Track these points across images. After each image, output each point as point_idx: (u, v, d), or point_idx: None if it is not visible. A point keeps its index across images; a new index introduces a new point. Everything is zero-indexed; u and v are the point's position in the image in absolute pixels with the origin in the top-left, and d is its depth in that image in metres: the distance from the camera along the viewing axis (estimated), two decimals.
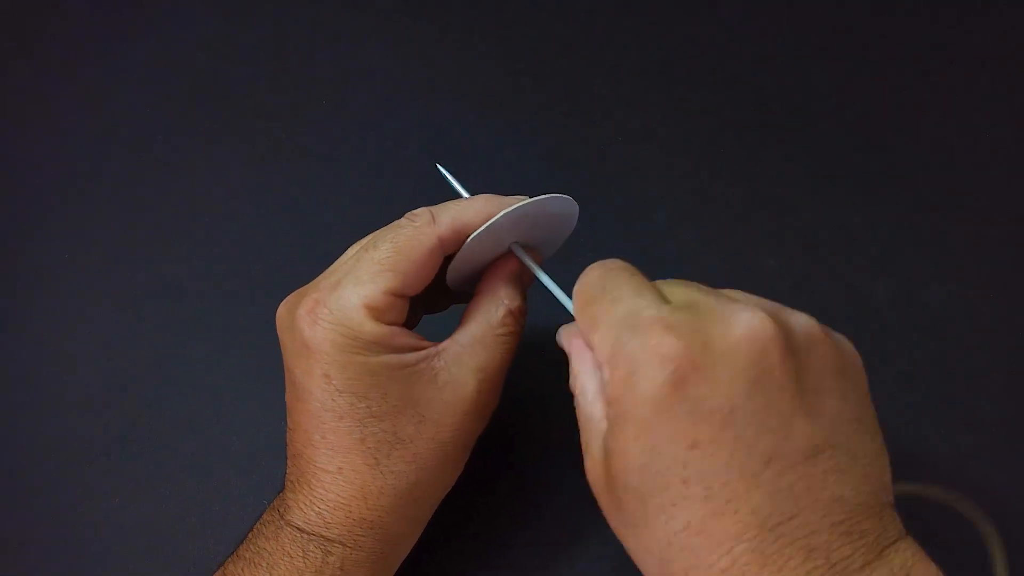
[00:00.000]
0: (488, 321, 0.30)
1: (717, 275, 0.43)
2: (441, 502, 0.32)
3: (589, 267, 0.28)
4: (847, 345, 0.25)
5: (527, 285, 0.33)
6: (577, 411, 0.27)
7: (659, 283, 0.27)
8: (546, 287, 0.31)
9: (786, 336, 0.23)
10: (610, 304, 0.25)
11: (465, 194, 0.34)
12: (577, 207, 0.33)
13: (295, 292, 0.30)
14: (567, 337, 0.28)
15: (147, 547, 0.37)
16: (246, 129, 0.50)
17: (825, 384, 0.23)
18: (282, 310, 0.30)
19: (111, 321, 0.44)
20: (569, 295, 0.29)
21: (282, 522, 0.29)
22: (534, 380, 0.40)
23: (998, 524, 0.36)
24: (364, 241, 0.31)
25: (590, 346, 0.26)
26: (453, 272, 0.32)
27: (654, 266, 0.44)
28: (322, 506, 0.29)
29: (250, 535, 0.30)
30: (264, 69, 0.53)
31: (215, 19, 0.55)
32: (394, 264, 0.29)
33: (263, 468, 0.39)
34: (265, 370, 0.42)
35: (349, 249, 0.32)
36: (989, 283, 0.42)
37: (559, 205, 0.32)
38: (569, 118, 0.50)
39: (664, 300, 0.25)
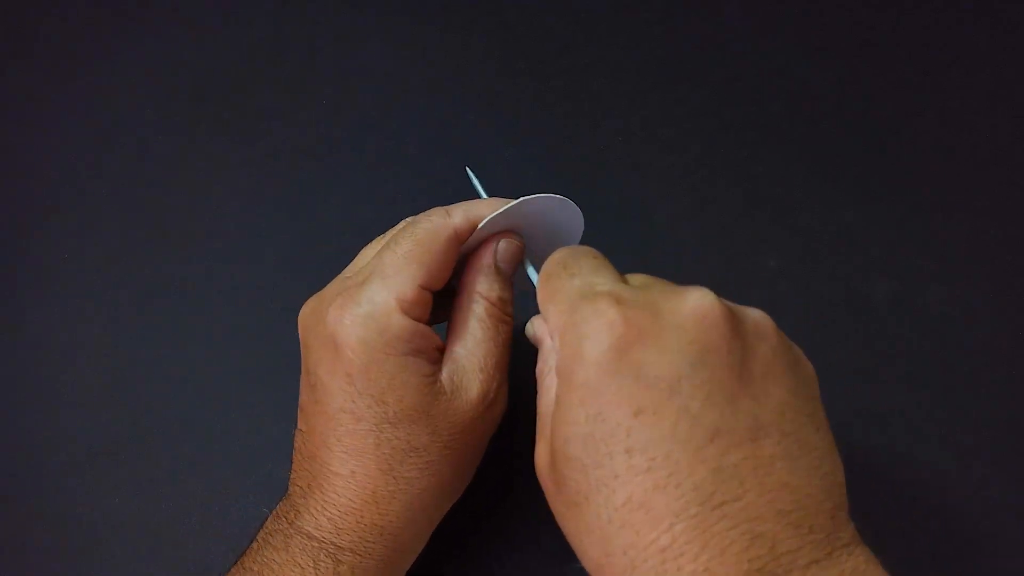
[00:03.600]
0: (474, 318, 0.30)
1: (717, 275, 0.43)
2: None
3: (558, 249, 0.28)
4: (801, 354, 0.25)
5: (508, 274, 0.32)
6: (538, 398, 0.27)
7: (625, 275, 0.27)
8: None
9: (735, 321, 0.23)
10: (568, 278, 0.26)
11: (484, 196, 0.34)
12: (582, 219, 0.33)
13: (315, 295, 0.30)
14: (538, 324, 0.28)
15: (147, 547, 0.37)
16: (246, 129, 0.50)
17: (773, 374, 0.23)
18: (306, 310, 0.30)
19: (111, 321, 0.44)
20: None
21: (291, 530, 0.29)
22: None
23: (998, 524, 0.36)
24: (379, 242, 0.31)
25: (546, 319, 0.26)
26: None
27: (654, 266, 0.44)
28: (334, 511, 0.28)
29: (255, 545, 0.29)
30: (264, 69, 0.53)
31: (215, 19, 0.55)
32: (418, 257, 0.29)
33: (263, 468, 0.39)
34: (265, 370, 0.42)
35: (364, 251, 0.32)
36: (989, 283, 0.42)
37: (569, 212, 0.32)
38: (569, 118, 0.50)
39: (623, 281, 0.26)
